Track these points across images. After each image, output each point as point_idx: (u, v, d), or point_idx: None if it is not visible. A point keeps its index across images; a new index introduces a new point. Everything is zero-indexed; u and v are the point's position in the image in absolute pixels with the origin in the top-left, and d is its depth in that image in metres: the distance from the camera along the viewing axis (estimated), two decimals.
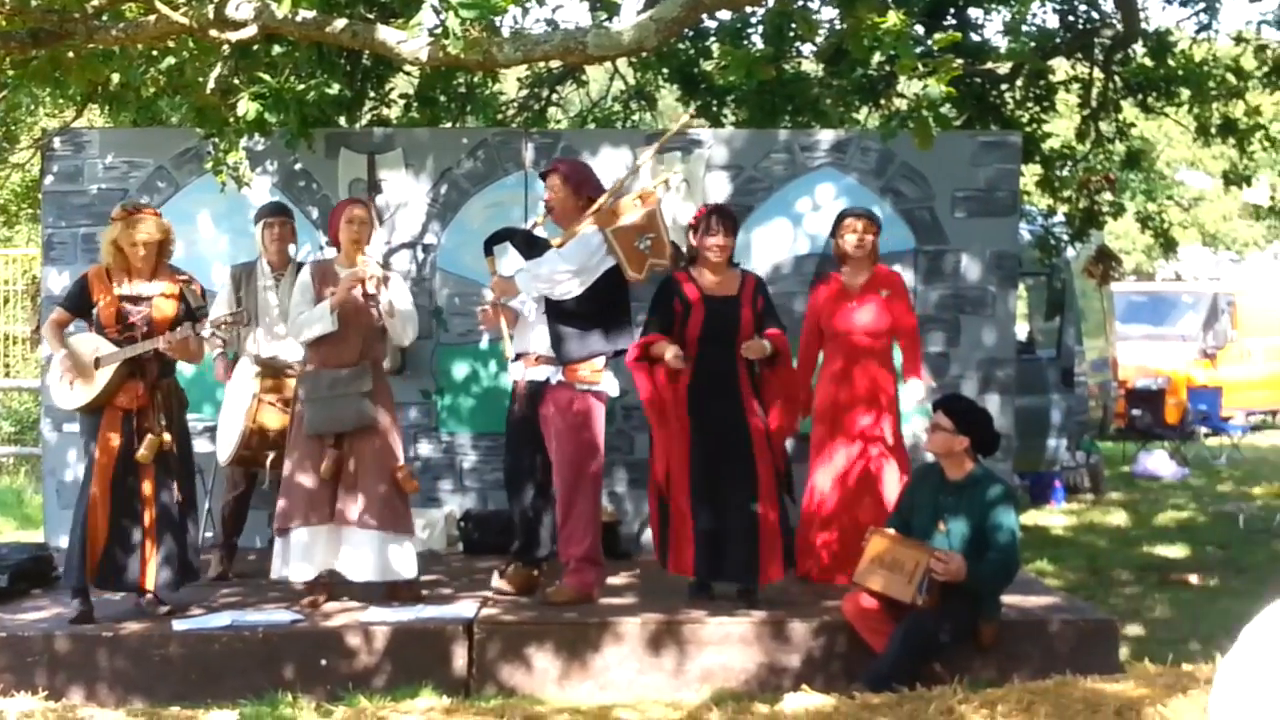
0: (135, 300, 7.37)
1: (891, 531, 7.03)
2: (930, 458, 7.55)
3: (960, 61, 6.47)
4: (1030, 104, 12.43)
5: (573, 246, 7.66)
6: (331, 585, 7.74)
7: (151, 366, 7.38)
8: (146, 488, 7.32)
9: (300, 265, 8.59)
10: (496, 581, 7.93)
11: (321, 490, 7.62)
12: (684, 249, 8.30)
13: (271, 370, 8.34)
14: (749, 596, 7.68)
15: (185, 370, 8.21)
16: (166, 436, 7.33)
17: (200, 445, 8.42)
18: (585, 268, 7.61)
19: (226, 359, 8.66)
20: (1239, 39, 12.37)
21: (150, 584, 7.34)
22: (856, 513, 8.00)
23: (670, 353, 7.54)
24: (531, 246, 7.83)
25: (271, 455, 8.17)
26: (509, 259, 8.09)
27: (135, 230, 7.33)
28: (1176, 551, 11.31)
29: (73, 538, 7.34)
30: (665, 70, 12.50)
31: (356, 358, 7.73)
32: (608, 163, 9.46)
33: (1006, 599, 7.33)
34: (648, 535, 9.23)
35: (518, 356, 7.83)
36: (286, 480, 7.71)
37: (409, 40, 6.55)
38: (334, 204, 9.38)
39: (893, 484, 7.98)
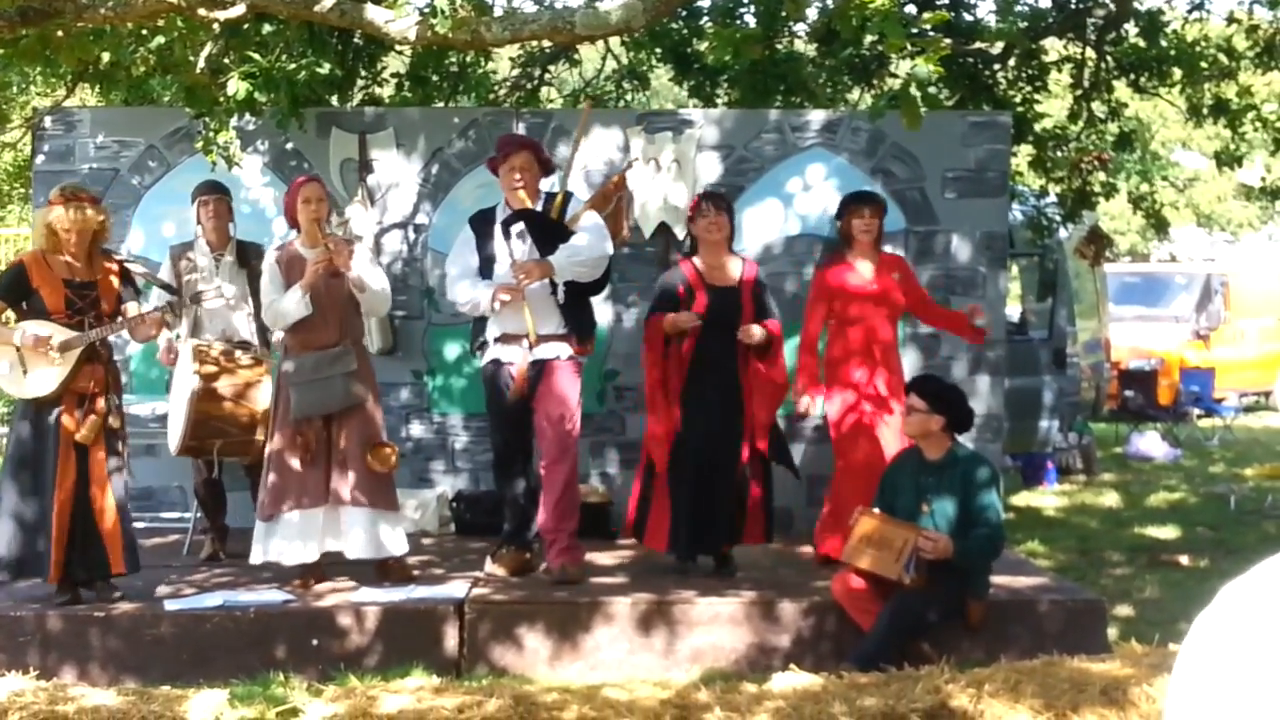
0: (81, 285, 7.32)
1: (878, 511, 7.05)
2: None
3: (949, 41, 6.45)
4: (1022, 84, 12.41)
5: (598, 231, 7.85)
6: (322, 566, 7.75)
7: (104, 349, 7.38)
8: (97, 472, 7.28)
9: (240, 243, 8.59)
10: (490, 566, 7.95)
11: (310, 472, 7.63)
12: (677, 233, 8.49)
13: (212, 354, 8.12)
14: (726, 566, 7.99)
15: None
16: (112, 418, 7.32)
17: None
18: (609, 253, 7.86)
19: (171, 341, 8.51)
20: (1231, 19, 12.37)
21: (117, 568, 7.32)
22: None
23: (683, 319, 7.86)
24: (543, 229, 7.80)
25: (219, 443, 8.05)
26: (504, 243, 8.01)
27: (75, 216, 7.23)
28: (1168, 533, 11.33)
29: (22, 524, 7.25)
30: (658, 50, 12.49)
31: (337, 337, 7.73)
32: (599, 142, 9.49)
33: (995, 579, 7.36)
34: None
35: (508, 339, 7.79)
36: (274, 463, 7.71)
37: (397, 19, 6.55)
38: (325, 183, 9.40)
39: None
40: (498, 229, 7.82)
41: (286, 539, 7.65)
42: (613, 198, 8.64)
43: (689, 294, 7.94)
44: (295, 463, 7.63)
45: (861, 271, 8.26)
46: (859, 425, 8.14)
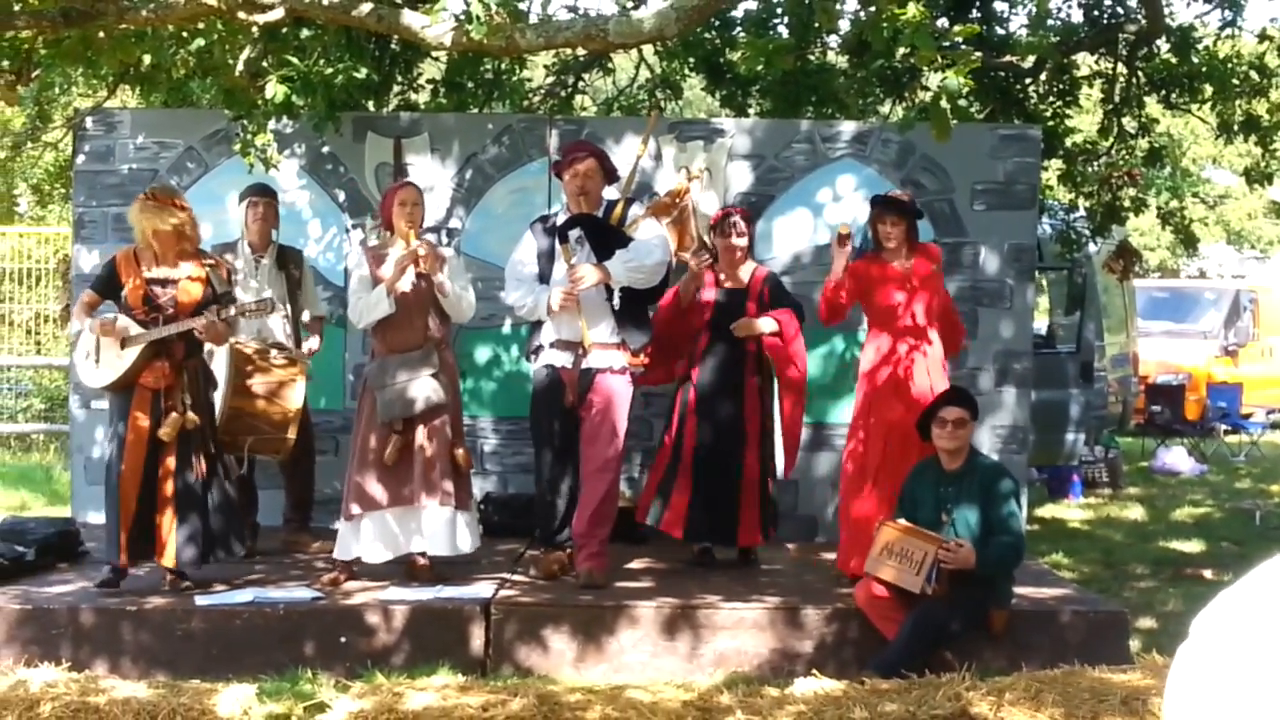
0: (162, 283, 7.49)
1: (902, 522, 7.09)
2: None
3: (979, 54, 6.49)
4: (1053, 98, 12.44)
5: (656, 237, 7.97)
6: (352, 564, 7.84)
7: (177, 347, 7.49)
8: (171, 465, 7.44)
9: (281, 247, 8.71)
10: (532, 571, 8.05)
11: (391, 474, 7.76)
12: (707, 240, 8.60)
13: (248, 352, 8.20)
14: (750, 559, 8.48)
15: None
16: (190, 415, 7.44)
17: None
18: (667, 259, 7.99)
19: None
20: (1263, 36, 12.36)
21: (169, 561, 7.45)
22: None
23: (694, 260, 8.25)
24: (602, 234, 7.87)
25: (250, 439, 8.12)
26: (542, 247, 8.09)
27: (149, 218, 7.47)
28: (1192, 547, 11.33)
29: (110, 515, 7.49)
30: (691, 59, 12.54)
31: (421, 340, 7.85)
32: (631, 151, 9.53)
33: (1018, 590, 7.40)
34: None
35: (563, 345, 7.87)
36: (358, 465, 7.84)
37: (433, 25, 6.62)
38: (360, 187, 9.52)
39: None
40: (555, 234, 7.90)
41: (369, 538, 7.78)
42: (675, 207, 8.70)
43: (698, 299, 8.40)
44: (379, 464, 7.76)
45: (895, 268, 8.07)
46: (873, 436, 7.98)
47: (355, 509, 7.78)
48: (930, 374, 7.95)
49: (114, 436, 7.55)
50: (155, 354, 7.43)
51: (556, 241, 7.83)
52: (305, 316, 8.81)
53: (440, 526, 7.78)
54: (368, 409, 7.87)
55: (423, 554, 7.83)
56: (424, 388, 7.76)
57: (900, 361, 7.97)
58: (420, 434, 7.79)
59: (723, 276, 8.48)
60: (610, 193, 8.09)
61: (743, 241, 8.48)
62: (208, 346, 7.93)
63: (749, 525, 8.40)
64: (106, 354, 7.45)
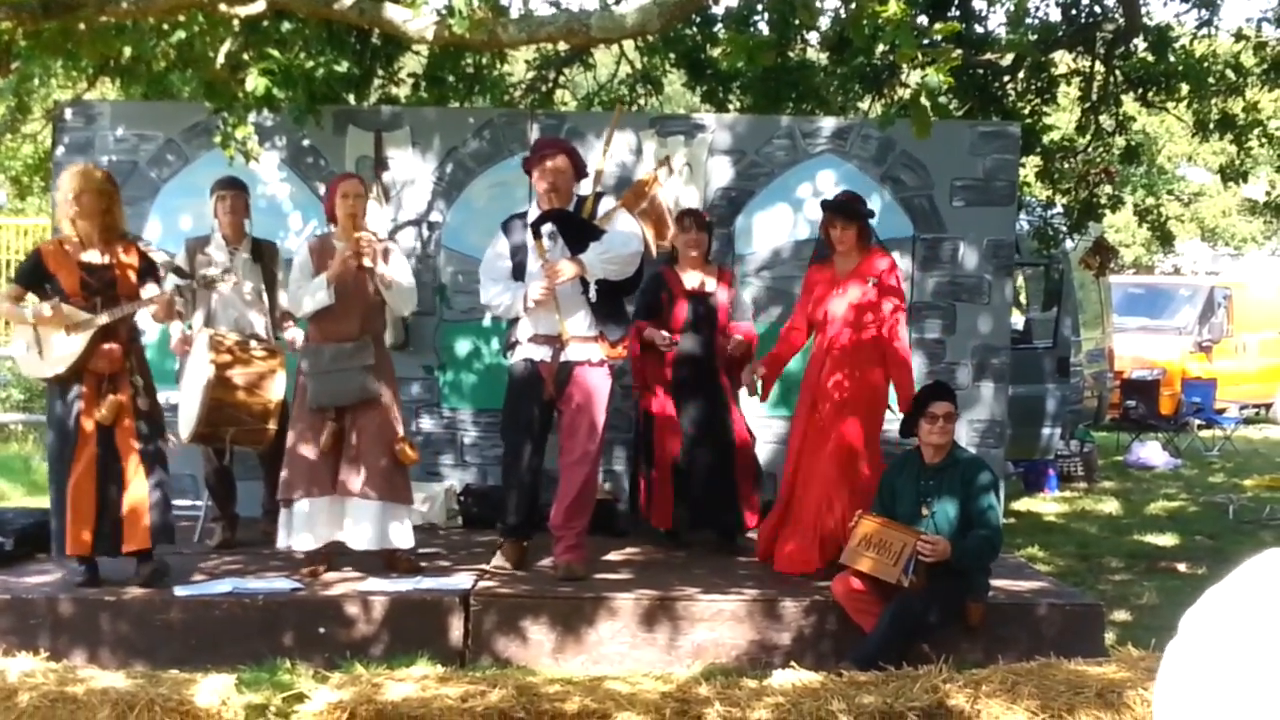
0: (95, 268, 7.39)
1: (878, 515, 7.13)
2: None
3: (960, 51, 6.52)
4: (1031, 96, 12.51)
5: (631, 229, 8.02)
6: (332, 555, 7.85)
7: (122, 330, 7.43)
8: (133, 449, 7.39)
9: (255, 240, 8.71)
10: (497, 559, 8.06)
11: (323, 462, 7.72)
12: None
13: (227, 343, 8.14)
14: (731, 543, 8.70)
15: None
16: (123, 398, 7.36)
17: None
18: (641, 250, 8.02)
19: (185, 331, 8.57)
20: (1239, 35, 12.44)
21: (136, 544, 7.39)
22: (825, 509, 7.97)
23: (659, 338, 8.49)
24: (574, 228, 7.89)
25: (232, 430, 8.08)
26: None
27: (86, 179, 7.38)
28: (1166, 540, 11.41)
29: (59, 508, 7.39)
30: (671, 55, 12.57)
31: (357, 331, 7.83)
32: (612, 145, 9.55)
33: (995, 582, 7.45)
34: None
35: (540, 339, 7.88)
36: (290, 451, 7.81)
37: (415, 19, 6.63)
38: None
39: (863, 485, 7.90)
40: (528, 230, 7.91)
41: (298, 526, 7.75)
42: (644, 197, 8.76)
43: (670, 301, 8.64)
44: (309, 452, 7.72)
45: (838, 274, 8.14)
46: (808, 437, 8.14)
47: (287, 493, 7.77)
48: (865, 381, 8.02)
49: (59, 424, 7.41)
50: (103, 338, 7.34)
51: (529, 237, 7.84)
52: (284, 306, 8.78)
53: (366, 519, 7.73)
54: (301, 395, 7.86)
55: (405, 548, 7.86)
56: (355, 379, 7.75)
57: (832, 367, 8.05)
58: (351, 426, 7.78)
59: (683, 273, 8.73)
60: (582, 188, 8.12)
61: (700, 238, 8.70)
62: (183, 332, 7.90)
63: (750, 507, 8.71)
64: (51, 343, 7.32)
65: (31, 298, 7.52)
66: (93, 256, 7.41)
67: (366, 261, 7.77)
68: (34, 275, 7.46)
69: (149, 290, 7.46)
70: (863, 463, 7.93)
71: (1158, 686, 2.06)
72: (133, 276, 7.46)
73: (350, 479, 7.70)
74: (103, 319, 7.29)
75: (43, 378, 7.55)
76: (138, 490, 7.37)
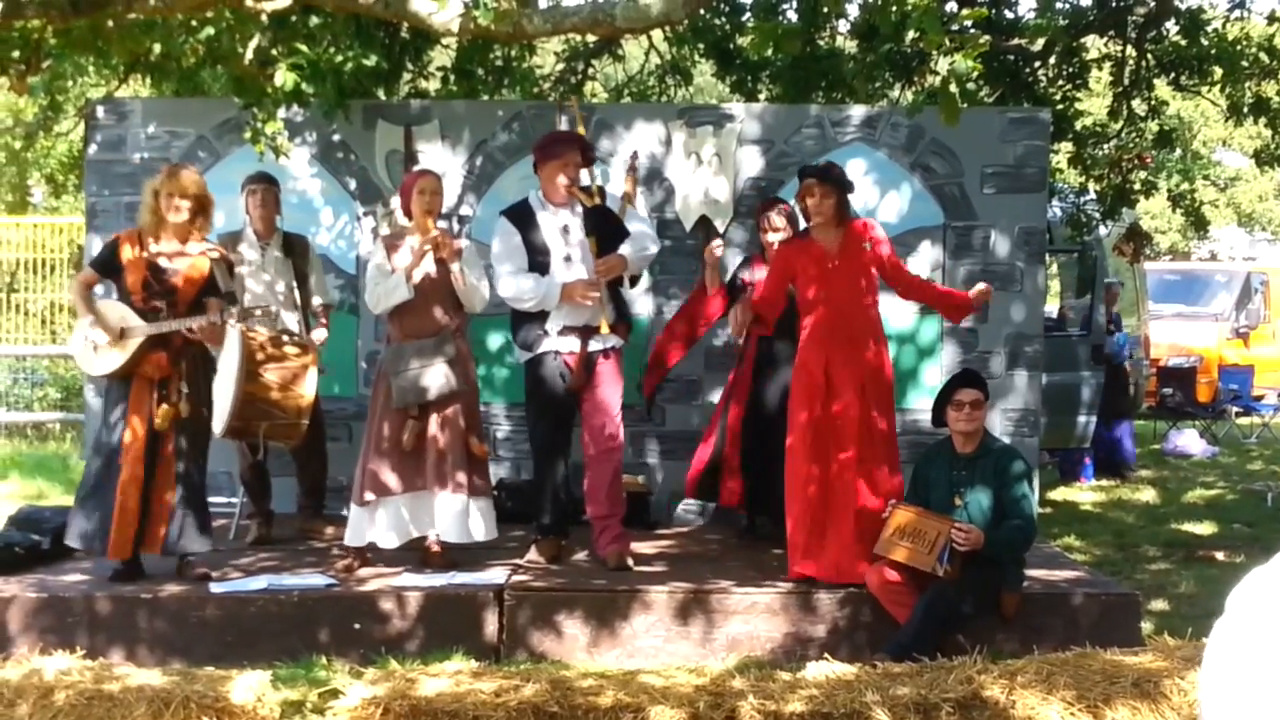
0: (163, 270, 7.46)
1: (912, 505, 7.11)
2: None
3: (988, 38, 6.49)
4: (1062, 81, 12.42)
5: (648, 225, 8.19)
6: (365, 550, 7.86)
7: (175, 337, 7.45)
8: (170, 455, 7.44)
9: (287, 235, 8.73)
10: (532, 554, 8.09)
11: (407, 460, 7.78)
12: (718, 226, 8.95)
13: (260, 339, 7.91)
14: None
15: None
16: (183, 406, 7.44)
17: None
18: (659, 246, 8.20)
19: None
20: (1272, 18, 12.34)
21: (164, 549, 7.47)
22: (837, 506, 7.61)
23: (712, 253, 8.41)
24: (606, 225, 7.96)
25: (265, 425, 7.96)
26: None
27: (177, 181, 7.44)
28: (1204, 529, 11.34)
29: (100, 506, 7.44)
30: (700, 45, 12.55)
31: (437, 327, 7.88)
32: (640, 136, 9.58)
33: (1030, 572, 7.42)
34: (679, 508, 9.43)
35: (569, 330, 7.91)
36: (372, 450, 7.86)
37: (440, 11, 6.62)
38: (371, 175, 9.55)
39: (881, 476, 7.65)
40: (545, 223, 7.94)
41: (383, 524, 7.80)
42: (633, 194, 8.81)
43: (747, 285, 8.54)
44: (393, 451, 7.79)
45: (826, 251, 7.69)
46: (810, 428, 7.65)
47: (369, 495, 7.80)
48: (867, 357, 7.67)
49: (113, 425, 7.48)
50: (154, 345, 7.40)
51: (583, 235, 7.87)
52: (316, 303, 8.79)
53: (453, 514, 7.80)
54: (383, 395, 7.90)
55: (437, 539, 7.86)
56: (438, 374, 7.78)
57: (828, 347, 7.64)
58: (434, 421, 7.82)
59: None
60: (584, 179, 8.18)
61: (778, 236, 8.44)
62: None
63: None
64: (105, 343, 7.42)
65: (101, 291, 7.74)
66: (164, 260, 7.48)
67: (443, 255, 7.81)
68: (109, 264, 7.58)
69: (212, 304, 7.48)
70: (887, 446, 7.73)
71: (1203, 665, 2.04)
72: (195, 285, 7.52)
73: (438, 475, 7.78)
74: (151, 329, 7.35)
75: (95, 375, 7.72)
76: (165, 495, 7.45)
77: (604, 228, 7.89)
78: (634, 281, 8.32)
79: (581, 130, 8.50)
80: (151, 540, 7.46)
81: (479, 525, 7.90)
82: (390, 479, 7.78)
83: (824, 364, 7.61)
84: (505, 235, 8.02)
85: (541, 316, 7.91)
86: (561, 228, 7.89)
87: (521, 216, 8.03)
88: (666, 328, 8.95)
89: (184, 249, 7.54)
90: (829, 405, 7.60)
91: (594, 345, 7.89)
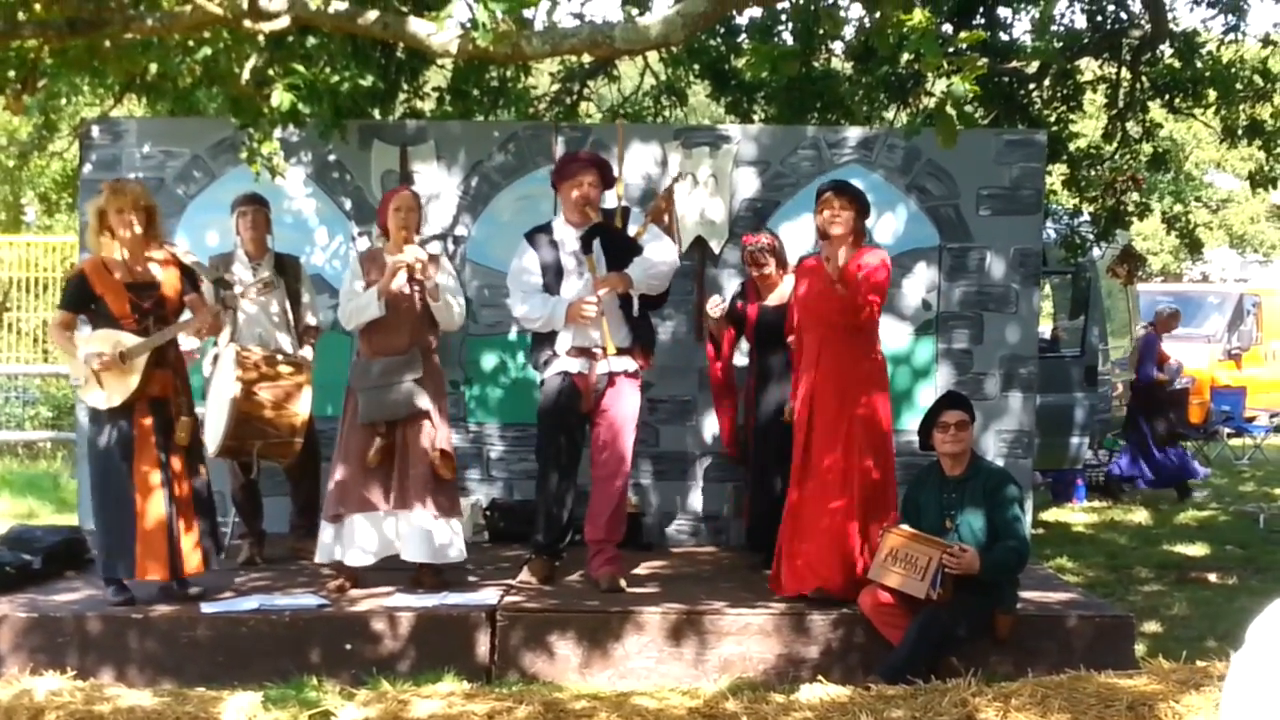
0: (142, 287, 7.36)
1: (906, 528, 7.09)
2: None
3: (985, 60, 6.49)
4: (1057, 103, 12.47)
5: (667, 245, 8.15)
6: (357, 571, 7.85)
7: (170, 350, 7.44)
8: (179, 472, 7.40)
9: (279, 255, 8.72)
10: (524, 574, 8.06)
11: (373, 477, 7.75)
12: (714, 248, 9.33)
13: (254, 359, 8.03)
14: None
15: None
16: (193, 419, 7.44)
17: None
18: (677, 264, 8.22)
19: (211, 348, 8.51)
20: (1267, 41, 12.39)
21: (191, 568, 7.43)
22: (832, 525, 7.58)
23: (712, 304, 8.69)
24: (616, 243, 7.94)
25: (259, 444, 7.99)
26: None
27: (125, 196, 7.29)
28: (1196, 550, 11.35)
29: (116, 527, 7.34)
30: (696, 66, 12.57)
31: (407, 344, 7.87)
32: (636, 157, 9.57)
33: (1024, 594, 7.41)
34: (671, 527, 9.44)
35: (579, 351, 7.90)
36: (338, 467, 7.85)
37: (439, 32, 6.63)
38: (366, 195, 9.54)
39: (877, 499, 7.61)
40: (563, 243, 7.95)
41: (350, 541, 7.76)
42: (665, 213, 8.83)
43: (742, 315, 8.69)
44: (359, 468, 7.76)
45: (826, 264, 7.57)
46: (812, 447, 7.66)
47: (337, 509, 7.79)
48: (854, 379, 7.62)
49: (113, 446, 7.35)
50: (156, 362, 7.34)
51: (579, 251, 7.85)
52: (309, 321, 8.77)
53: (421, 532, 7.75)
54: (351, 410, 7.89)
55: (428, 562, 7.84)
56: (407, 392, 7.77)
57: (818, 371, 7.65)
58: (400, 439, 7.80)
59: (760, 289, 8.75)
60: (607, 200, 8.14)
61: (768, 270, 8.65)
62: (213, 352, 7.90)
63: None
64: (109, 374, 7.25)
65: (82, 321, 7.56)
66: (137, 275, 7.37)
67: (417, 274, 7.81)
68: (81, 299, 7.37)
69: (194, 299, 7.46)
70: (880, 470, 7.67)
71: (1224, 697, 2.04)
72: (177, 291, 7.45)
73: (403, 493, 7.74)
74: (154, 341, 7.28)
75: (107, 408, 7.35)
76: (190, 515, 7.41)
77: (611, 247, 7.87)
78: (656, 303, 8.16)
79: (620, 157, 8.46)
80: (189, 560, 7.38)
81: (445, 545, 7.83)
82: (357, 495, 7.76)
83: (819, 387, 7.64)
84: (525, 256, 8.05)
85: (552, 337, 7.91)
86: (575, 249, 7.89)
87: (539, 237, 8.05)
88: (714, 393, 9.16)
89: (151, 260, 7.43)
90: (825, 433, 7.62)
91: (601, 368, 7.87)
